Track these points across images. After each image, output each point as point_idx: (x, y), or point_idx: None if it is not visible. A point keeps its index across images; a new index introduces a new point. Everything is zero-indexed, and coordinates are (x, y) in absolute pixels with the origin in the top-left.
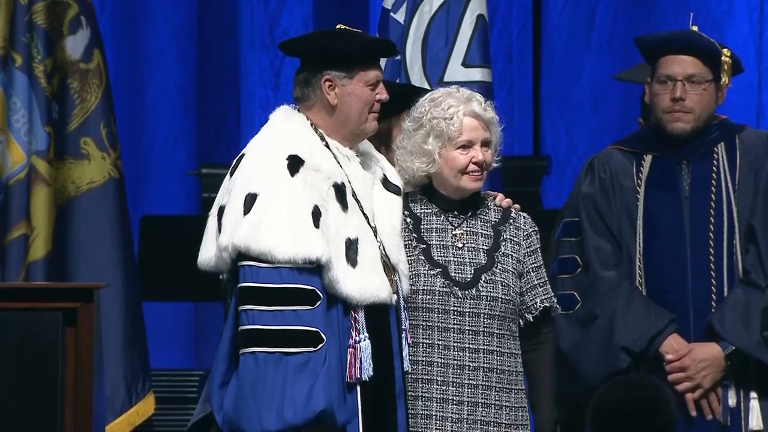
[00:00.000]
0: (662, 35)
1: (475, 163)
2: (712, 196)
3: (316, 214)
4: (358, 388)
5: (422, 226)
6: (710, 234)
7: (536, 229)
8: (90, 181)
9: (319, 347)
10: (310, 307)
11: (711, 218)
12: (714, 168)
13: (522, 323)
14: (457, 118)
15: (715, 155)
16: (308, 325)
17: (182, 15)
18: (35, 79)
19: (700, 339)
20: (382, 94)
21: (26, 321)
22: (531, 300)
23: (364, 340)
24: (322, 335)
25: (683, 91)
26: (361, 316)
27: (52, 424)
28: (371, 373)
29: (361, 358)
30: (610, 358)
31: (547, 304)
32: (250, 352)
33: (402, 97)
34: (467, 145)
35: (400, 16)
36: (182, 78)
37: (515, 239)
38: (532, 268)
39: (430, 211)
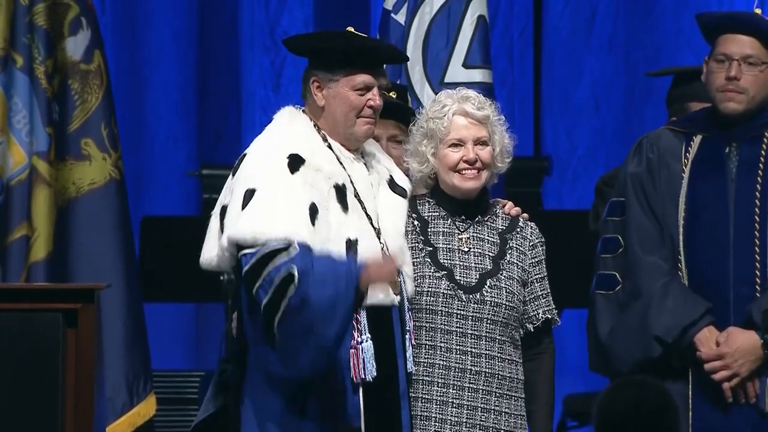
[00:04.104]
0: (723, 13)
1: (465, 161)
2: (759, 179)
3: (313, 211)
4: (361, 388)
5: (429, 229)
6: (756, 217)
7: (543, 240)
8: (91, 182)
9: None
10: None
11: (757, 201)
12: (763, 152)
13: (523, 333)
14: (447, 118)
15: (765, 139)
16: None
17: (182, 15)
18: (36, 80)
19: (740, 325)
20: (374, 100)
21: (27, 322)
22: (533, 310)
23: (367, 341)
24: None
25: (738, 71)
26: (363, 317)
27: (52, 425)
28: (374, 374)
29: (363, 359)
30: (642, 346)
31: (549, 316)
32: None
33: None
34: (458, 144)
35: (401, 17)
36: (182, 78)
37: (521, 248)
38: (537, 278)
39: (438, 214)
